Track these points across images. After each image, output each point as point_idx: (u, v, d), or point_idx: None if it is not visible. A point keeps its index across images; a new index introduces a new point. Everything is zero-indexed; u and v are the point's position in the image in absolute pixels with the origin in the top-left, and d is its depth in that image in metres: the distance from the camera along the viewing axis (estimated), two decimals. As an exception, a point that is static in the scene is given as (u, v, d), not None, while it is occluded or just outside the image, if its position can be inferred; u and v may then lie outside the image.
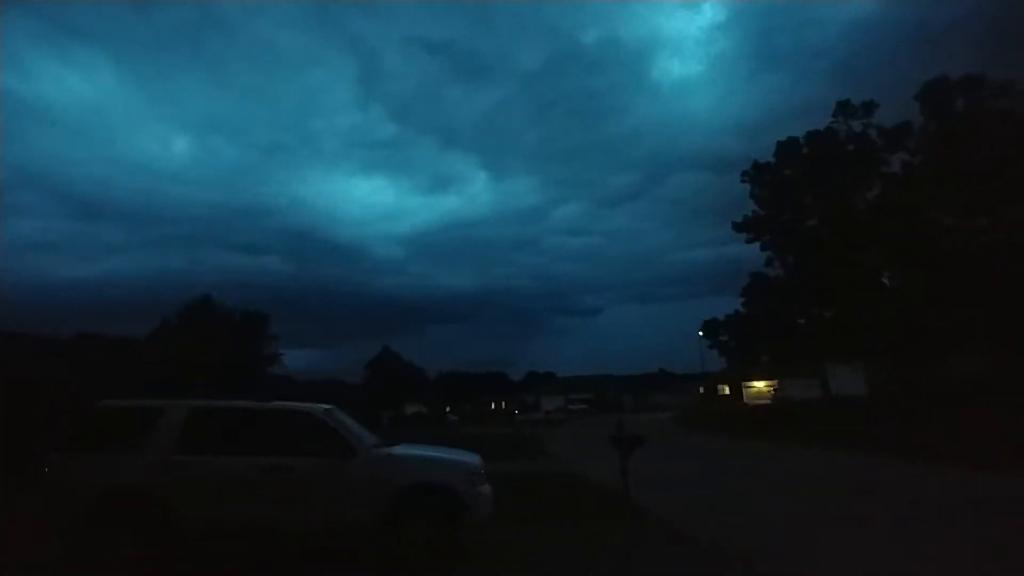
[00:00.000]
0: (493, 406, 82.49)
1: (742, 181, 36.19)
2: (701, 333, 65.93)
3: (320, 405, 6.95)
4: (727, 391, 62.07)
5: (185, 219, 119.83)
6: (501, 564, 6.28)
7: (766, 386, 54.61)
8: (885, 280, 32.17)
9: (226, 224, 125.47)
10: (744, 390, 57.54)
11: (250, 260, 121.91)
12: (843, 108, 32.60)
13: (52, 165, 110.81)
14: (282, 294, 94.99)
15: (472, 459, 6.92)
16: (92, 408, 6.55)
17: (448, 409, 72.42)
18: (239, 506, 6.06)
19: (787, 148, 34.54)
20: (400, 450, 6.87)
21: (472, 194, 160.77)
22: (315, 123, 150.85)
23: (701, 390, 68.38)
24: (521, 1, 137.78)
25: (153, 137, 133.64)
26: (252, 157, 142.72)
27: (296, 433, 6.56)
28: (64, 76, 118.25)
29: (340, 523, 6.21)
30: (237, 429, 6.60)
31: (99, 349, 20.93)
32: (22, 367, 15.26)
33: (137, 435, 6.26)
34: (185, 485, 6.02)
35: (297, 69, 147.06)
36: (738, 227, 36.64)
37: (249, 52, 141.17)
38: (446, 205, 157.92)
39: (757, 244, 36.07)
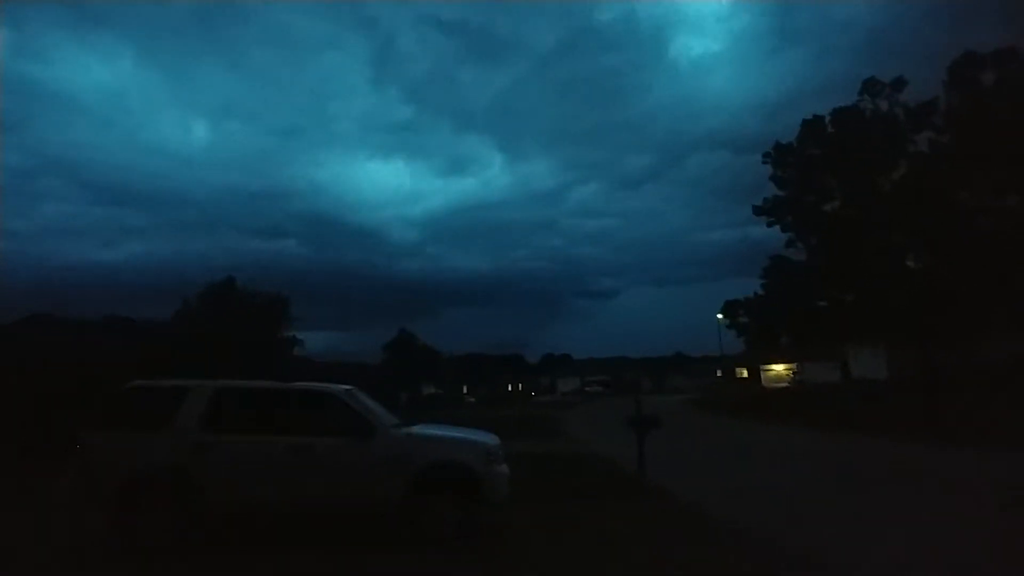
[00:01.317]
0: (510, 388, 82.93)
1: (764, 162, 35.46)
2: (720, 315, 65.30)
3: (340, 386, 7.07)
4: (745, 374, 61.65)
5: (204, 203, 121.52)
6: (519, 542, 6.38)
7: (785, 369, 54.13)
8: (910, 262, 31.47)
9: (245, 208, 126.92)
10: (763, 373, 57.09)
11: (268, 243, 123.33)
12: (870, 85, 31.62)
13: (76, 151, 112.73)
14: (300, 277, 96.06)
15: (490, 439, 7.01)
16: (121, 388, 6.74)
17: (465, 391, 73.03)
18: (263, 484, 6.21)
19: (812, 127, 33.68)
20: (419, 430, 6.98)
21: (488, 176, 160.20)
22: (331, 106, 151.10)
23: (719, 373, 67.98)
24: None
25: (173, 122, 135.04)
26: (270, 141, 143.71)
27: (317, 413, 6.69)
28: (87, 63, 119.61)
29: (361, 502, 6.35)
30: (261, 409, 6.77)
31: (126, 330, 21.45)
32: (54, 349, 15.73)
33: (165, 415, 6.42)
34: (211, 463, 6.18)
35: (313, 53, 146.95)
36: (759, 210, 35.99)
37: (265, 37, 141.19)
38: (462, 187, 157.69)
39: (778, 226, 35.48)
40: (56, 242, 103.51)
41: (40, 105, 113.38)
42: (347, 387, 7.12)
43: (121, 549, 5.98)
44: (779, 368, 55.33)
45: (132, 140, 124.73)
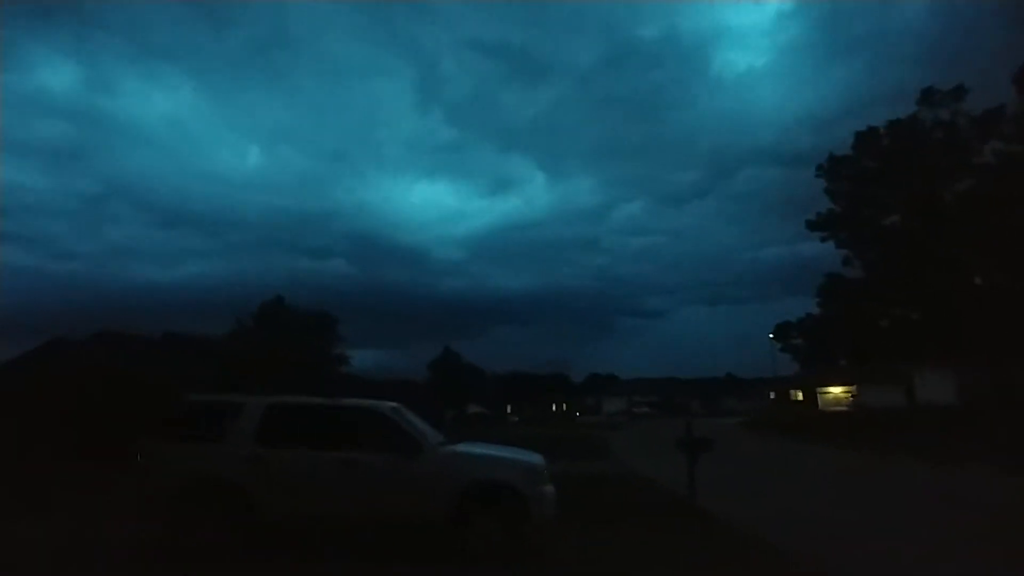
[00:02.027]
0: (554, 408, 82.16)
1: (817, 176, 34.38)
2: (772, 336, 63.09)
3: (387, 403, 7.16)
4: (800, 397, 59.08)
5: (257, 225, 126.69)
6: (563, 563, 6.23)
7: (843, 392, 51.57)
8: (978, 279, 29.66)
9: (295, 229, 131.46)
10: (819, 396, 54.58)
11: (317, 263, 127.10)
12: (928, 95, 30.35)
13: (140, 177, 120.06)
14: (347, 296, 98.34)
15: (535, 458, 6.92)
16: (180, 402, 7.04)
17: (509, 410, 72.76)
18: (313, 498, 6.33)
19: (867, 139, 32.51)
20: (464, 448, 6.97)
21: (531, 195, 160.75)
22: (378, 130, 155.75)
23: (772, 395, 65.42)
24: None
25: (228, 148, 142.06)
26: (319, 164, 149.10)
27: (365, 429, 6.78)
28: (150, 94, 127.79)
29: (407, 518, 6.37)
30: (311, 424, 6.91)
31: (184, 347, 22.44)
32: (120, 363, 16.60)
33: (220, 428, 6.66)
34: (263, 476, 6.34)
35: (360, 78, 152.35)
36: (813, 225, 34.83)
37: (315, 65, 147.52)
38: (506, 207, 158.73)
39: (833, 242, 34.21)
40: (122, 263, 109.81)
41: (108, 135, 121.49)
42: (394, 404, 7.20)
43: (175, 552, 6.18)
44: (837, 391, 52.77)
45: (191, 166, 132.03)
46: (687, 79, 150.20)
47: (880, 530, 7.77)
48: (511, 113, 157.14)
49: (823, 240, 34.58)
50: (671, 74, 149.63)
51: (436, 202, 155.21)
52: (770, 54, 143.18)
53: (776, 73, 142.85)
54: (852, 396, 49.42)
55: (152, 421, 6.89)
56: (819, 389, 55.14)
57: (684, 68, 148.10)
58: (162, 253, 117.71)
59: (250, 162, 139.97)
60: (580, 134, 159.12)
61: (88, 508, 8.60)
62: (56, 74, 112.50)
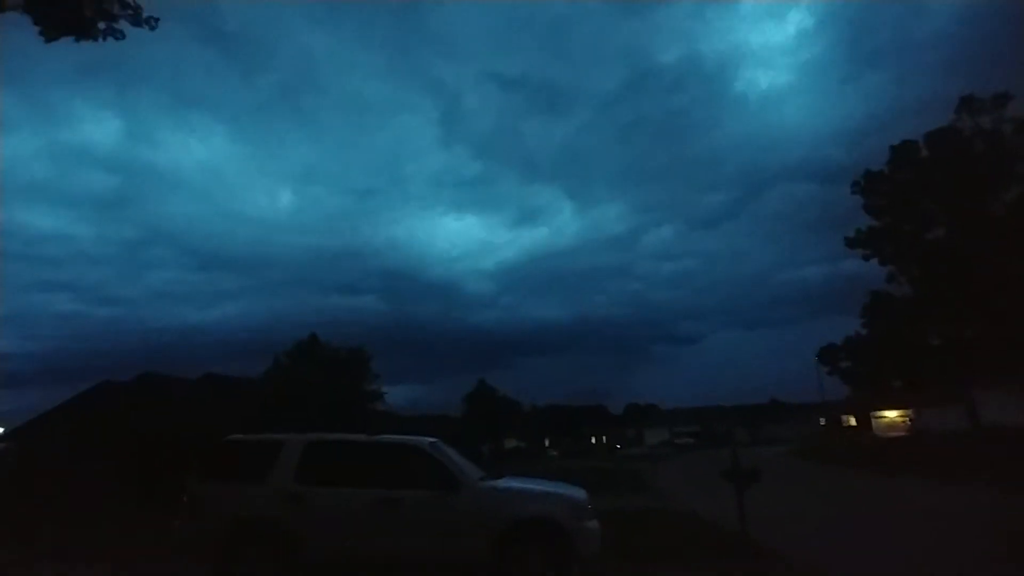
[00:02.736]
0: (593, 440, 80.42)
1: (853, 192, 33.53)
2: (818, 358, 60.81)
3: (425, 438, 7.05)
4: (853, 422, 56.43)
5: (290, 264, 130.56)
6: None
7: (899, 415, 49.05)
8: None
9: (327, 267, 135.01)
10: (873, 420, 52.03)
11: (349, 299, 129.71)
12: (967, 104, 29.49)
13: (179, 223, 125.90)
14: (380, 332, 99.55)
15: (578, 493, 6.69)
16: (221, 442, 7.07)
17: (547, 443, 71.49)
18: (353, 535, 6.22)
19: (903, 152, 31.66)
20: (505, 483, 6.79)
21: (559, 224, 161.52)
22: (405, 166, 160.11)
23: (822, 421, 62.67)
24: (593, 25, 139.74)
25: (261, 191, 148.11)
26: (348, 203, 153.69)
27: (404, 466, 6.69)
28: (186, 142, 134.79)
29: (449, 555, 6.19)
30: (350, 461, 6.84)
31: (223, 387, 22.88)
32: (162, 404, 16.97)
33: (261, 467, 6.64)
34: (304, 514, 6.27)
35: (385, 117, 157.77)
36: (852, 243, 33.80)
37: (341, 105, 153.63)
38: (535, 237, 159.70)
39: (876, 259, 33.06)
40: (162, 306, 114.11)
41: (148, 183, 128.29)
42: (432, 440, 7.08)
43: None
44: (892, 414, 50.24)
45: (226, 209, 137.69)
46: (710, 100, 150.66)
47: (932, 564, 7.16)
48: (536, 143, 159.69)
49: (865, 258, 33.47)
50: (694, 96, 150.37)
51: (465, 235, 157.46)
52: (793, 72, 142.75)
53: (800, 90, 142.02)
54: (909, 420, 46.97)
55: (196, 462, 6.92)
56: (872, 413, 52.64)
57: (707, 90, 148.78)
58: (200, 295, 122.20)
59: (282, 203, 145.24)
60: (606, 161, 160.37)
61: (137, 549, 8.66)
62: (99, 127, 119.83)
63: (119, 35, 7.09)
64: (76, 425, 15.57)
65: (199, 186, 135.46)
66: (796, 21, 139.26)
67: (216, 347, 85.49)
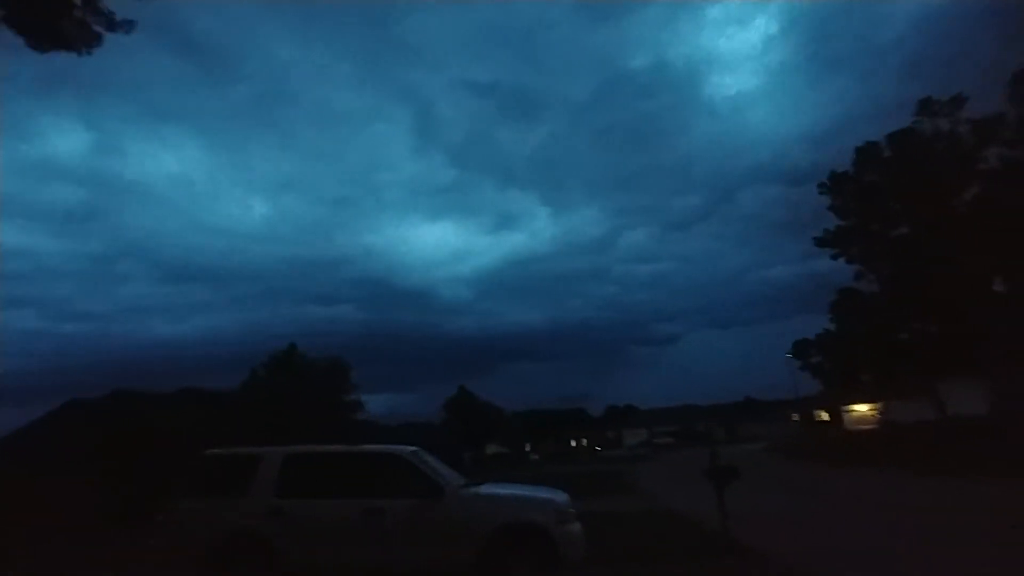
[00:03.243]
0: (574, 443, 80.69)
1: (820, 193, 34.43)
2: (790, 354, 62.03)
3: (406, 447, 7.04)
4: (825, 417, 57.62)
5: (266, 275, 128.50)
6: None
7: (869, 409, 50.28)
8: (997, 286, 29.16)
9: (302, 277, 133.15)
10: (844, 415, 53.20)
11: (326, 310, 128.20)
12: (926, 106, 30.54)
13: (149, 236, 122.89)
14: (358, 341, 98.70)
15: (560, 497, 6.74)
16: (200, 458, 6.96)
17: (528, 448, 71.49)
18: (335, 546, 6.18)
19: (867, 153, 32.64)
20: (487, 489, 6.81)
21: (535, 229, 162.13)
22: (379, 174, 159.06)
23: (795, 417, 63.87)
24: (564, 32, 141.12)
25: (234, 201, 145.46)
26: (323, 212, 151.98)
27: (384, 475, 6.67)
28: (155, 153, 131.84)
29: (433, 563, 6.17)
30: (329, 472, 6.80)
31: (199, 401, 22.42)
32: (136, 422, 16.55)
33: (240, 481, 6.57)
34: (284, 527, 6.22)
35: (359, 125, 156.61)
36: (821, 242, 34.69)
37: (314, 114, 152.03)
38: (511, 243, 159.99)
39: (843, 258, 33.97)
40: (135, 321, 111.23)
41: (117, 196, 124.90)
42: (413, 448, 7.08)
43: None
44: (863, 408, 51.46)
45: (197, 221, 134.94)
46: (680, 105, 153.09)
47: (916, 557, 7.41)
48: (510, 150, 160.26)
49: (833, 257, 34.37)
50: (665, 101, 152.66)
51: (441, 243, 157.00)
52: (760, 76, 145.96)
53: (768, 94, 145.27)
54: (878, 413, 48.18)
55: (174, 478, 6.81)
56: (843, 408, 53.83)
57: (677, 95, 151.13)
58: (173, 309, 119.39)
59: (256, 214, 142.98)
60: (579, 166, 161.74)
61: (113, 569, 8.43)
62: (65, 138, 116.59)
63: (96, 42, 6.98)
64: (45, 445, 15.10)
65: (170, 198, 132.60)
66: (761, 27, 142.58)
67: (191, 361, 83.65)
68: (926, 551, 7.52)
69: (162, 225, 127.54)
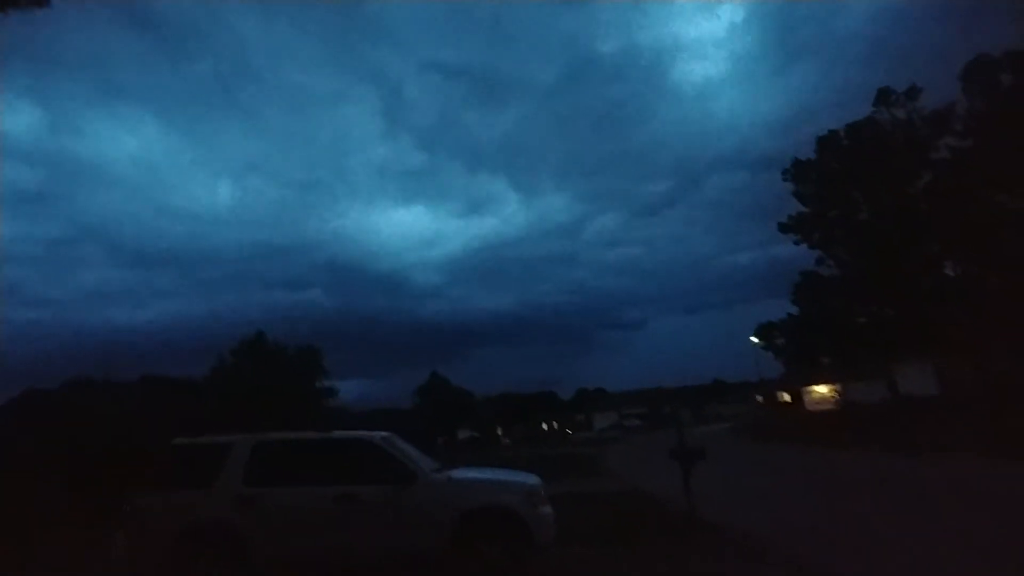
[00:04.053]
0: (545, 426, 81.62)
1: (783, 179, 35.24)
2: (755, 338, 63.75)
3: (377, 432, 7.04)
4: (787, 398, 59.55)
5: (233, 260, 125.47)
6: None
7: (829, 390, 52.15)
8: (948, 271, 30.46)
9: (271, 262, 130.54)
10: (805, 396, 55.07)
11: (296, 295, 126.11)
12: (884, 96, 31.43)
13: (108, 219, 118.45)
14: (328, 326, 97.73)
15: (531, 480, 6.86)
16: (165, 447, 6.83)
17: (500, 432, 72.06)
18: (307, 534, 6.18)
19: (828, 143, 33.48)
20: (460, 474, 6.88)
21: (506, 214, 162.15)
22: (348, 158, 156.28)
23: (759, 398, 65.87)
24: (532, 15, 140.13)
25: (197, 184, 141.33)
26: (291, 196, 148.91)
27: (356, 461, 6.66)
28: (115, 134, 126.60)
29: (405, 549, 6.24)
30: (300, 460, 6.76)
31: (165, 389, 21.90)
32: (97, 411, 16.10)
33: (208, 471, 6.48)
34: (255, 516, 6.18)
35: (326, 108, 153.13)
36: (784, 228, 35.54)
37: (280, 95, 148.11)
38: (481, 227, 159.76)
39: (804, 243, 34.91)
40: (94, 307, 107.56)
41: (75, 178, 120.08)
42: (384, 433, 7.08)
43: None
44: (822, 390, 53.33)
45: (160, 203, 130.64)
46: (648, 91, 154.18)
47: (872, 529, 7.83)
48: (480, 133, 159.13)
49: (796, 243, 35.29)
50: (632, 87, 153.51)
51: (411, 227, 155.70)
52: (726, 64, 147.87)
53: (734, 81, 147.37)
54: (837, 394, 49.98)
55: (136, 470, 6.67)
56: (804, 389, 55.65)
57: (644, 80, 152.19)
58: (134, 294, 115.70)
59: (221, 197, 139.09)
60: (548, 151, 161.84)
61: (73, 567, 8.24)
62: (16, 117, 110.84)
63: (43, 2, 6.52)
64: (1, 437, 14.58)
65: (130, 180, 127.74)
66: (727, 15, 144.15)
67: (154, 348, 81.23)
68: (883, 523, 7.93)
69: (122, 208, 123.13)
